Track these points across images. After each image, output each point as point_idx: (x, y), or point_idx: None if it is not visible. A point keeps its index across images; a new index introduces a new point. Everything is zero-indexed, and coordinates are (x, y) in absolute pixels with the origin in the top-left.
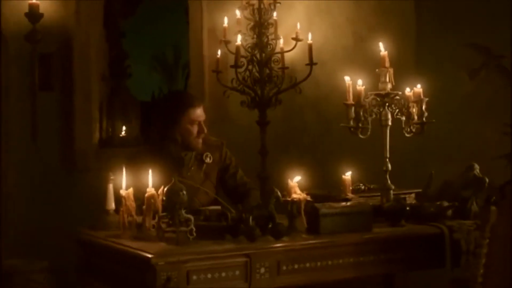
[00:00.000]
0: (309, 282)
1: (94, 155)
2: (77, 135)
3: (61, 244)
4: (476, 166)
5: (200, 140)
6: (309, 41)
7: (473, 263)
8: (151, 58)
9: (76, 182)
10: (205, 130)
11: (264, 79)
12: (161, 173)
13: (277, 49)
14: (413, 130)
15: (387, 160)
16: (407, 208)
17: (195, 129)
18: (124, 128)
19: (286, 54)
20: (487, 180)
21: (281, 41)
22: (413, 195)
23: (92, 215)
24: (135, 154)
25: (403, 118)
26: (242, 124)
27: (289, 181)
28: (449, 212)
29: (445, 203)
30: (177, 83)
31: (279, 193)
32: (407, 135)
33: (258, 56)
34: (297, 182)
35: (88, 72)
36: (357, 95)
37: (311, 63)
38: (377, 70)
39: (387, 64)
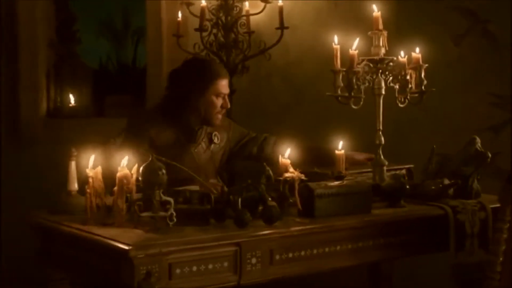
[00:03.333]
0: (304, 272)
1: (41, 127)
2: (22, 104)
3: (10, 227)
4: (478, 140)
5: (221, 116)
6: (280, 3)
7: (492, 250)
8: (99, 23)
9: (23, 156)
10: (229, 105)
11: (230, 44)
12: (167, 143)
13: (243, 12)
14: (408, 99)
15: (380, 133)
16: (407, 187)
17: (219, 102)
18: (73, 97)
19: (251, 18)
20: (489, 155)
21: (247, 3)
22: (404, 171)
23: (42, 192)
24: (138, 116)
25: (396, 86)
26: None
27: (280, 157)
28: (451, 190)
29: (447, 181)
30: (126, 50)
31: (270, 172)
32: (400, 105)
33: (223, 19)
34: (288, 157)
35: (34, 36)
36: (349, 60)
37: (281, 27)
38: (369, 33)
39: (381, 26)
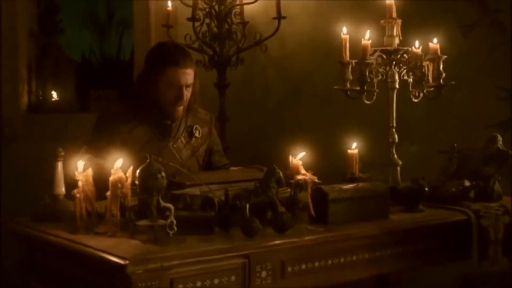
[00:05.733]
0: (319, 285)
1: (22, 122)
2: (2, 99)
3: None
4: (499, 138)
5: (180, 109)
6: None
7: None
8: (82, 14)
9: (2, 154)
10: (184, 98)
11: (224, 35)
12: (142, 141)
13: (237, 1)
14: (425, 93)
15: (393, 130)
16: (426, 189)
17: (172, 93)
18: (56, 91)
19: (245, 8)
20: None
21: None
22: None
23: (24, 195)
24: (106, 116)
25: (411, 79)
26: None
27: (291, 158)
28: (472, 193)
29: (467, 183)
30: (110, 42)
31: (281, 174)
32: (414, 100)
33: (216, 8)
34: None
35: (14, 27)
36: (361, 51)
37: (278, 17)
38: (382, 21)
39: (394, 14)
